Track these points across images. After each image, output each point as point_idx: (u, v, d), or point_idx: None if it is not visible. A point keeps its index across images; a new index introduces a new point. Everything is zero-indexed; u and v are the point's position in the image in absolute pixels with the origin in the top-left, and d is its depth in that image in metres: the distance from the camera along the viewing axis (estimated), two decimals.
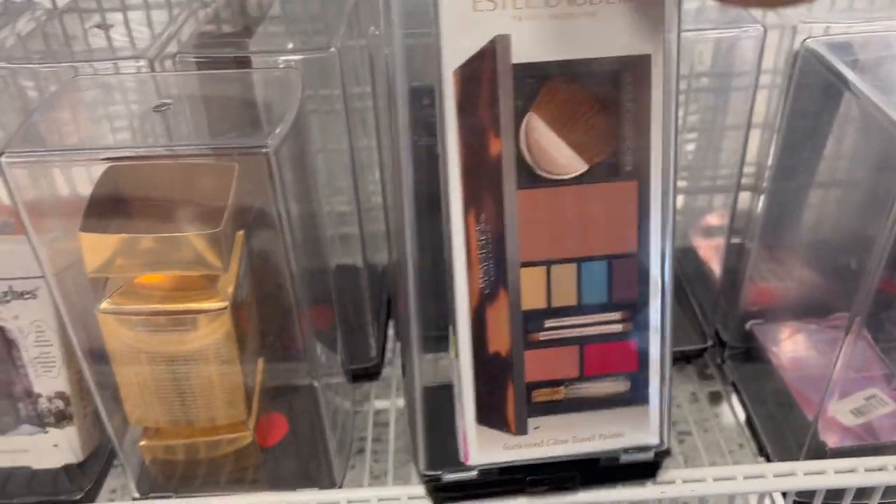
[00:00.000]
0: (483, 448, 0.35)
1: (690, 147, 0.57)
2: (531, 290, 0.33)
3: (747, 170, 0.50)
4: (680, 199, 0.58)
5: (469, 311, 0.33)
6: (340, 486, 0.45)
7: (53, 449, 0.43)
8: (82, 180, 0.39)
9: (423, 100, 0.53)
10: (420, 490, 0.38)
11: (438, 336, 0.35)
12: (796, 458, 0.43)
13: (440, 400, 0.36)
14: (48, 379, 0.42)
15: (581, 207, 0.32)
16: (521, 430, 0.35)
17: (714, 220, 0.56)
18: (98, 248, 0.36)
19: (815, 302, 0.48)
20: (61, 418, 0.43)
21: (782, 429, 0.45)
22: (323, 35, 0.44)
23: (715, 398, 0.51)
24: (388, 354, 0.55)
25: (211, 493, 0.41)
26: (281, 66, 0.42)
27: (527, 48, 0.30)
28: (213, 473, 0.44)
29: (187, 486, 0.44)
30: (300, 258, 0.38)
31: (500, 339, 0.33)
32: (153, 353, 0.39)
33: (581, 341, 0.34)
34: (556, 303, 0.33)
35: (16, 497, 0.44)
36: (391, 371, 0.54)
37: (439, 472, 0.37)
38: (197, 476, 0.44)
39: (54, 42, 0.50)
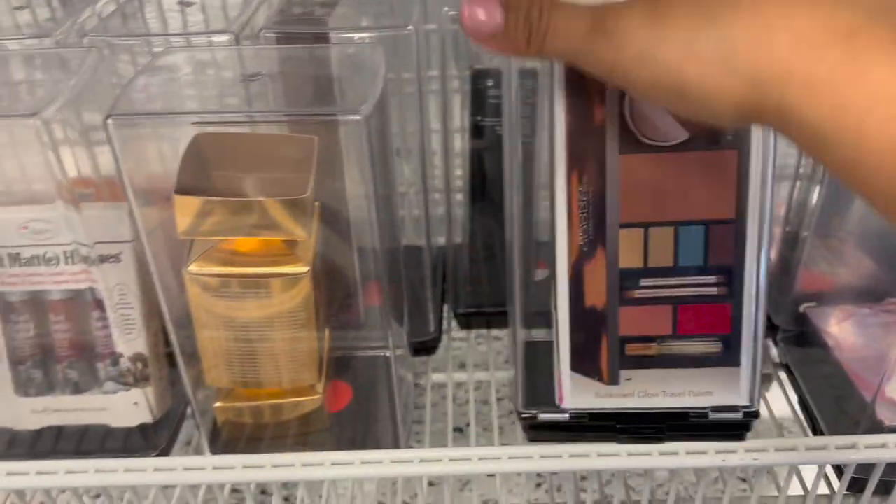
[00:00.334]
0: (576, 393, 0.37)
1: None
2: (629, 249, 0.34)
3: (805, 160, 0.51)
4: None
5: (568, 265, 0.35)
6: None
7: (133, 407, 0.45)
8: (166, 151, 0.41)
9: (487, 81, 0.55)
10: (516, 451, 0.39)
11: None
12: None
13: (541, 353, 0.38)
14: (129, 340, 0.44)
15: (681, 173, 0.33)
16: (614, 380, 0.36)
17: None
18: (190, 209, 0.37)
19: (869, 287, 0.49)
20: (141, 378, 0.44)
21: (837, 409, 0.46)
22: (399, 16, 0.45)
23: (766, 379, 0.52)
24: (444, 330, 0.57)
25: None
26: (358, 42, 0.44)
27: None
28: (280, 436, 0.45)
29: (255, 447, 0.45)
30: (378, 233, 0.40)
31: (596, 294, 0.35)
32: (233, 316, 0.41)
33: (675, 301, 0.36)
34: (653, 263, 0.35)
35: (91, 454, 0.46)
36: (447, 345, 0.55)
37: (535, 412, 0.39)
38: (264, 438, 0.46)
39: (132, 22, 0.52)
